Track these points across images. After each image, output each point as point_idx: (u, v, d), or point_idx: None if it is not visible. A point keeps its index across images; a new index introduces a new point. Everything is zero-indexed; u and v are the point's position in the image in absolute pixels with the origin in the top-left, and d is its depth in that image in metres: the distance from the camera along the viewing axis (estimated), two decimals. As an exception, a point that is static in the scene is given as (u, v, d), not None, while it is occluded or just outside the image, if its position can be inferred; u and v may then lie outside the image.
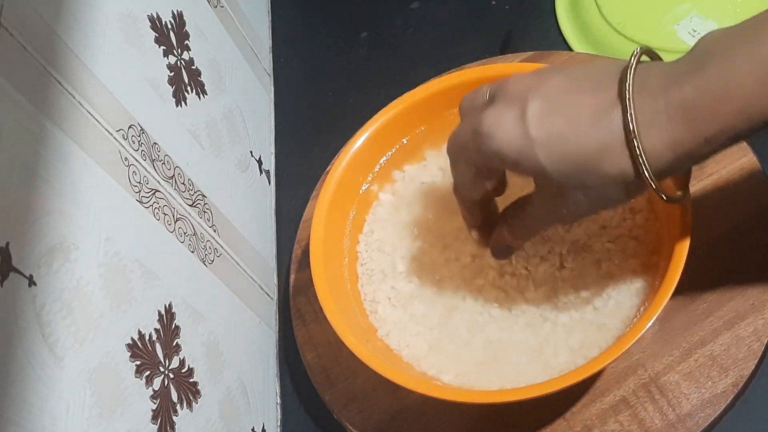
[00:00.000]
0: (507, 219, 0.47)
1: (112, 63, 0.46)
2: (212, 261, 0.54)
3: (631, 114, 0.37)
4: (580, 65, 0.41)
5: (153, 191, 0.47)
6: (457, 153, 0.45)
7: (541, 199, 0.43)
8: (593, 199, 0.41)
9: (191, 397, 0.47)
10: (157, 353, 0.44)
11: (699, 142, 0.36)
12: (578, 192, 0.40)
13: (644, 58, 0.39)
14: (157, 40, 0.53)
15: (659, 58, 0.40)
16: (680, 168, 0.38)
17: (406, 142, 0.59)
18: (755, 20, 0.36)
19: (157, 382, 0.43)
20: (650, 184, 0.38)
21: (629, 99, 0.37)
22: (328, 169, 0.66)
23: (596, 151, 0.38)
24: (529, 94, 0.39)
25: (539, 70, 0.42)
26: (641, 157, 0.37)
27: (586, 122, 0.38)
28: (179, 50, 0.57)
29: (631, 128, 0.37)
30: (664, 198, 0.39)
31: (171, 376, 0.45)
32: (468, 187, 0.45)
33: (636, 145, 0.37)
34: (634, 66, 0.38)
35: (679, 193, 0.42)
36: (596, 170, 0.38)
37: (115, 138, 0.44)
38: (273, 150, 0.74)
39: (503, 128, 0.39)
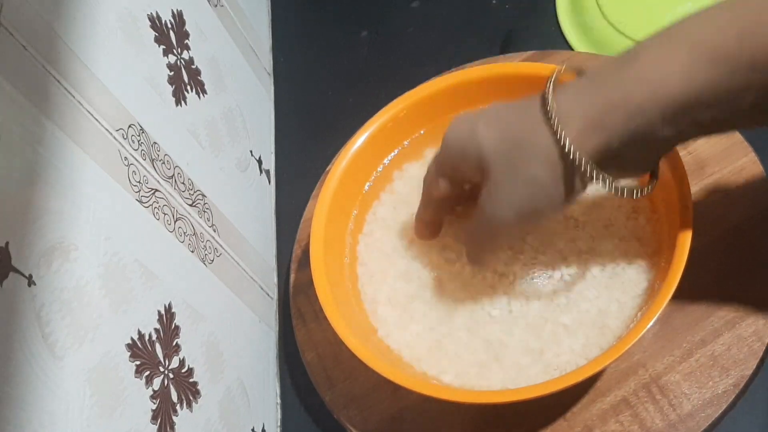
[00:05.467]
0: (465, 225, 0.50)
1: (112, 62, 0.46)
2: (212, 261, 0.54)
3: (547, 91, 0.40)
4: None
5: (153, 191, 0.47)
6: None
7: (487, 192, 0.44)
8: (523, 187, 0.42)
9: (191, 397, 0.47)
10: (156, 353, 0.44)
11: (605, 111, 0.38)
12: (509, 176, 0.42)
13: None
14: (157, 40, 0.53)
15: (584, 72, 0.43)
16: (596, 140, 0.39)
17: (407, 144, 0.59)
18: (685, 19, 0.38)
19: (156, 382, 0.43)
20: (565, 146, 0.39)
21: (548, 93, 0.40)
22: (328, 168, 0.66)
23: (520, 123, 0.41)
24: (476, 116, 0.44)
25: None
26: (553, 112, 0.39)
27: (517, 107, 0.42)
28: (179, 49, 0.57)
29: (546, 98, 0.40)
30: (616, 191, 0.40)
31: (171, 376, 0.45)
32: (428, 181, 0.49)
33: (547, 101, 0.39)
34: (553, 79, 0.41)
35: (637, 187, 0.42)
36: (521, 139, 0.41)
37: (114, 137, 0.44)
38: (273, 149, 0.74)
39: (459, 123, 0.45)
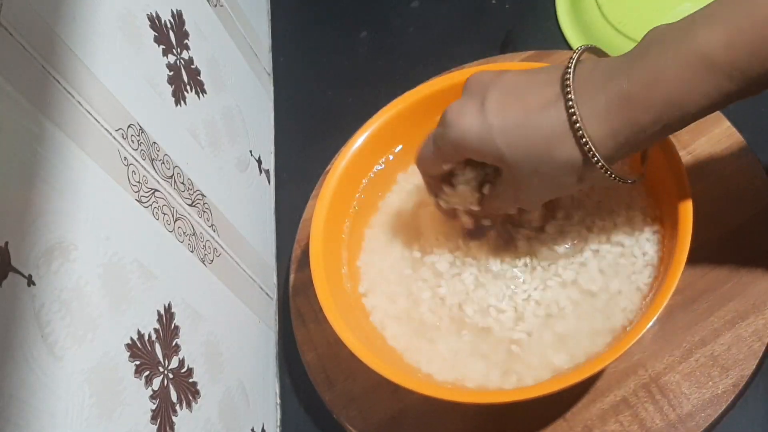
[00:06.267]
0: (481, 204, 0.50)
1: (112, 62, 0.46)
2: (212, 261, 0.54)
3: (572, 106, 0.41)
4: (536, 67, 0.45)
5: (152, 191, 0.47)
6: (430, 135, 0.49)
7: (505, 183, 0.46)
8: (548, 185, 0.44)
9: (191, 397, 0.47)
10: (156, 353, 0.44)
11: (635, 131, 0.40)
12: (534, 177, 0.44)
13: (586, 56, 0.44)
14: (157, 40, 0.53)
15: (606, 55, 0.44)
16: (624, 153, 0.42)
17: (407, 144, 0.59)
18: (692, 15, 0.39)
19: (156, 382, 0.43)
20: (604, 169, 0.42)
21: (570, 93, 0.41)
22: (327, 168, 0.66)
23: (547, 140, 0.42)
24: (488, 87, 0.44)
25: (502, 73, 0.45)
26: (590, 144, 0.41)
27: (537, 113, 0.42)
28: (178, 49, 0.57)
29: (575, 119, 0.40)
30: (618, 179, 0.43)
31: (170, 376, 0.45)
32: (428, 163, 0.49)
33: (581, 134, 0.41)
34: (573, 64, 0.42)
35: (635, 174, 0.45)
36: (548, 157, 0.42)
37: (114, 137, 0.44)
38: (273, 149, 0.74)
39: (465, 118, 0.44)
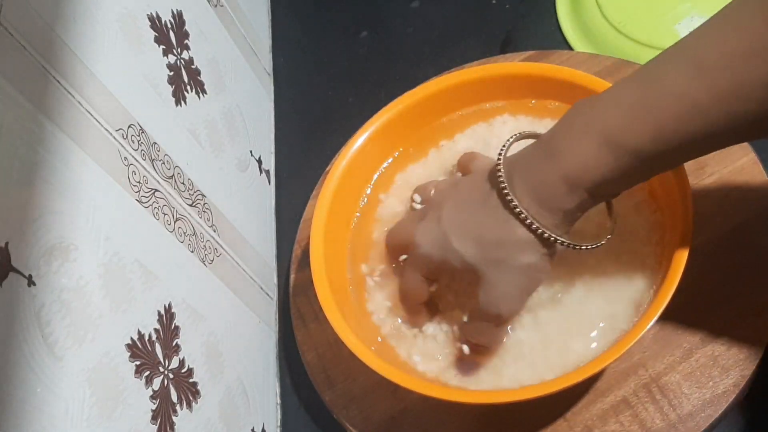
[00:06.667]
0: (466, 330, 0.51)
1: (112, 62, 0.46)
2: (212, 261, 0.54)
3: (504, 187, 0.44)
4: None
5: (152, 191, 0.47)
6: (400, 255, 0.53)
7: (481, 291, 0.47)
8: (518, 274, 0.45)
9: (191, 398, 0.47)
10: (156, 353, 0.44)
11: (561, 200, 0.42)
12: (502, 271, 0.45)
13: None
14: (157, 40, 0.53)
15: (536, 137, 0.46)
16: (568, 222, 0.44)
17: (408, 144, 0.59)
18: (604, 94, 0.41)
19: (156, 383, 0.43)
20: (548, 236, 0.43)
21: (502, 177, 0.44)
22: (328, 168, 0.66)
23: (492, 226, 0.45)
24: (443, 200, 0.48)
25: (454, 182, 0.50)
26: (528, 216, 0.43)
27: (480, 206, 0.46)
28: (179, 49, 0.57)
29: (509, 198, 0.43)
30: (575, 247, 0.45)
31: (171, 376, 0.45)
32: (415, 290, 0.51)
33: (518, 210, 0.43)
34: (504, 153, 0.45)
35: (601, 239, 0.46)
36: (500, 241, 0.45)
37: (114, 137, 0.44)
38: (273, 150, 0.74)
39: (428, 235, 0.48)
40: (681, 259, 0.45)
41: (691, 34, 0.38)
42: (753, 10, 0.35)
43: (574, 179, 0.41)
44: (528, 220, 0.43)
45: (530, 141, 0.46)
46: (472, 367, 0.50)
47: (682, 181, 0.48)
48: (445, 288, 0.52)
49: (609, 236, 0.46)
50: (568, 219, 0.43)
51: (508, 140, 0.46)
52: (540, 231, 0.43)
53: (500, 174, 0.44)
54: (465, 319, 0.50)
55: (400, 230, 0.53)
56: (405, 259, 0.52)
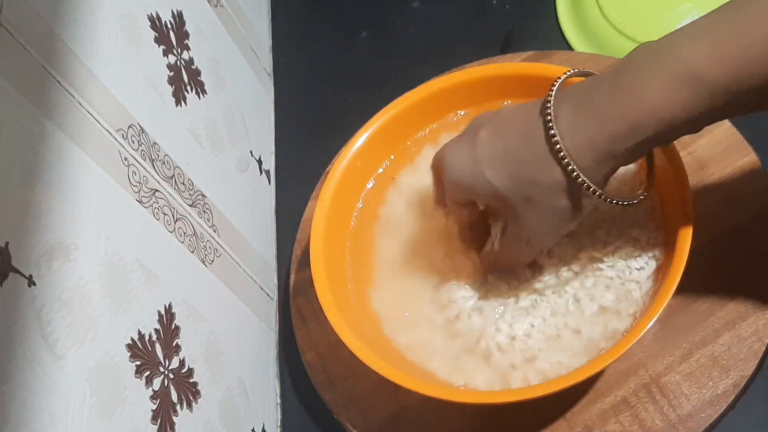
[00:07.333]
0: (487, 252, 0.50)
1: (112, 63, 0.46)
2: (212, 261, 0.54)
3: (550, 121, 0.41)
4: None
5: (153, 191, 0.47)
6: (437, 178, 0.49)
7: (509, 225, 0.46)
8: (547, 216, 0.44)
9: (191, 398, 0.47)
10: (156, 353, 0.44)
11: (613, 142, 0.40)
12: (530, 209, 0.44)
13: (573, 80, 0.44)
14: (157, 40, 0.53)
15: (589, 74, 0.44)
16: (608, 168, 0.41)
17: (409, 143, 0.59)
18: (679, 30, 0.39)
19: (156, 383, 0.43)
20: (582, 180, 0.41)
21: (549, 110, 0.41)
22: (328, 168, 0.66)
23: (530, 162, 0.42)
24: (482, 124, 0.45)
25: (498, 111, 0.46)
26: (567, 156, 0.40)
27: (520, 137, 0.43)
28: (179, 50, 0.57)
29: (552, 133, 0.40)
30: (608, 199, 0.42)
31: (171, 376, 0.45)
32: (455, 214, 0.50)
33: (559, 147, 0.40)
34: (557, 85, 0.42)
35: (637, 194, 0.45)
36: (534, 179, 0.42)
37: (114, 138, 0.44)
38: (273, 150, 0.74)
39: (458, 159, 0.45)
40: (682, 259, 0.45)
41: None
42: None
43: (637, 118, 0.38)
44: (566, 160, 0.40)
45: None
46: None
47: (682, 182, 0.48)
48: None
49: (644, 194, 0.45)
50: (608, 166, 0.41)
51: (565, 73, 0.44)
52: (575, 174, 0.41)
53: (549, 105, 0.41)
54: (490, 247, 0.49)
55: (443, 154, 0.49)
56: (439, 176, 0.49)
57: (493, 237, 0.49)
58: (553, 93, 0.42)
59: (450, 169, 0.46)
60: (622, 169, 0.44)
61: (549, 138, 0.41)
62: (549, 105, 0.41)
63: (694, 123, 0.39)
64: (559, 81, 0.43)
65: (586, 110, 0.40)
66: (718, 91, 0.37)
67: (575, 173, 0.41)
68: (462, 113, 0.59)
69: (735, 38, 0.36)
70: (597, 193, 0.42)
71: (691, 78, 0.37)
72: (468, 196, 0.46)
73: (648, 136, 0.39)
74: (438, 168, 0.48)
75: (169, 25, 0.56)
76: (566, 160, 0.41)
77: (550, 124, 0.41)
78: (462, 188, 0.46)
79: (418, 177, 0.59)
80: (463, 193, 0.46)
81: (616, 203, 0.43)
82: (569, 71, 0.44)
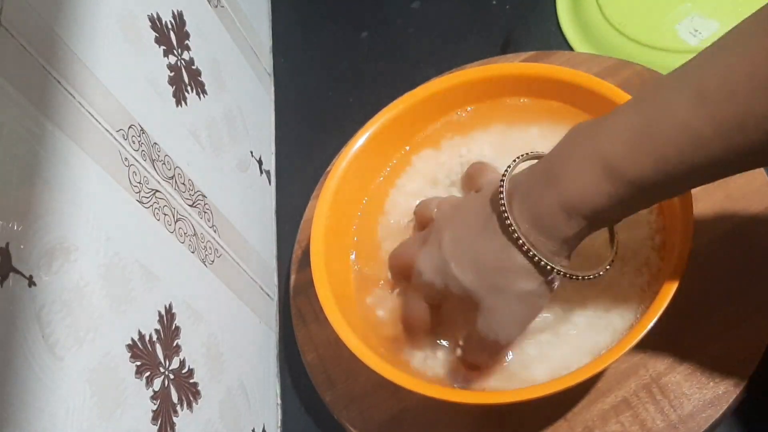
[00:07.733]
0: (464, 350, 0.50)
1: (112, 63, 0.46)
2: (212, 261, 0.54)
3: (504, 211, 0.42)
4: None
5: (153, 191, 0.47)
6: (403, 280, 0.52)
7: (480, 320, 0.46)
8: (516, 303, 0.45)
9: (191, 398, 0.47)
10: (157, 354, 0.44)
11: (558, 228, 0.41)
12: (499, 298, 0.45)
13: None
14: (157, 40, 0.53)
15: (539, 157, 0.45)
16: (565, 249, 0.43)
17: (409, 144, 0.59)
18: (607, 116, 0.40)
19: (157, 383, 0.43)
20: (544, 264, 0.42)
21: (503, 200, 0.43)
22: (328, 169, 0.66)
23: (492, 252, 0.44)
24: (443, 227, 0.47)
25: (456, 203, 0.49)
26: (526, 243, 0.42)
27: (479, 233, 0.45)
28: (179, 50, 0.57)
29: (509, 222, 0.42)
30: (573, 276, 0.43)
31: (171, 376, 0.45)
32: (418, 317, 0.51)
33: (516, 236, 0.42)
34: (508, 174, 0.44)
35: (604, 265, 0.45)
36: (499, 267, 0.44)
37: (115, 138, 0.44)
38: (273, 150, 0.74)
39: (429, 261, 0.48)
40: (682, 260, 0.45)
41: (693, 60, 0.37)
42: (757, 39, 0.33)
43: (572, 207, 0.40)
44: (525, 247, 0.42)
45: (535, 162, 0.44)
46: (469, 379, 0.50)
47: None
48: (449, 312, 0.51)
49: (608, 266, 0.45)
50: (567, 246, 0.42)
51: (513, 161, 0.45)
52: (537, 259, 0.42)
53: (501, 198, 0.43)
54: (461, 342, 0.50)
55: (403, 253, 0.52)
56: (407, 285, 0.51)
57: (453, 347, 0.51)
58: (504, 184, 0.43)
59: (423, 272, 0.48)
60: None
61: (506, 228, 0.43)
62: (502, 196, 0.43)
63: (629, 208, 0.41)
64: (509, 171, 0.44)
65: (530, 201, 0.42)
66: (638, 184, 0.38)
67: (536, 258, 0.42)
68: (462, 113, 0.59)
69: (647, 138, 0.37)
70: (561, 273, 0.43)
71: (609, 171, 0.39)
72: (439, 295, 0.48)
73: (588, 222, 0.41)
74: (404, 269, 0.51)
75: (170, 26, 0.56)
76: (525, 247, 0.42)
77: (505, 215, 0.42)
78: (434, 289, 0.48)
79: (418, 178, 0.59)
80: (434, 293, 0.48)
81: (582, 278, 0.44)
82: (517, 158, 0.46)
